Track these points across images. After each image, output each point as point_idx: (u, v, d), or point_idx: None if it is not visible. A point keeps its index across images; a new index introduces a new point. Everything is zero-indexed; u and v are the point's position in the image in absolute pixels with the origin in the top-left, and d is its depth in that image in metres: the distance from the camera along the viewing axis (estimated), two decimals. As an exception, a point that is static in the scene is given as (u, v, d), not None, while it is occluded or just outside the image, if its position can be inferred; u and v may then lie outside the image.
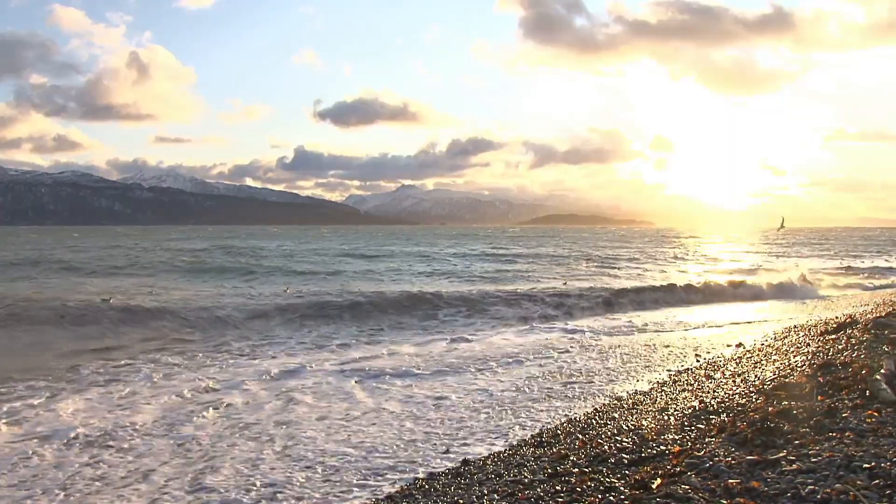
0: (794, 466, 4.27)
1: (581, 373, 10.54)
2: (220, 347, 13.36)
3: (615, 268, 38.04)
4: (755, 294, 23.50)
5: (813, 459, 4.35)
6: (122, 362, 11.57)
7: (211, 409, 8.50)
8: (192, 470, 6.36)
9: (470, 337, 14.75)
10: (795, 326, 13.62)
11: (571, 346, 13.17)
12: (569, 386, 9.61)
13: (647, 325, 16.56)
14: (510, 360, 11.73)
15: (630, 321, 17.33)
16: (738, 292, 23.63)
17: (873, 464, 4.14)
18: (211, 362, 11.74)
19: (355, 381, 10.12)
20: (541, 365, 11.25)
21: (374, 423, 7.86)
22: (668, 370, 10.38)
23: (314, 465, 6.45)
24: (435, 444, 7.01)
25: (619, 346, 13.25)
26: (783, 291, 23.83)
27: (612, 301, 21.19)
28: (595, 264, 40.06)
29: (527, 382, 9.88)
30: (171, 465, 6.50)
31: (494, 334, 15.40)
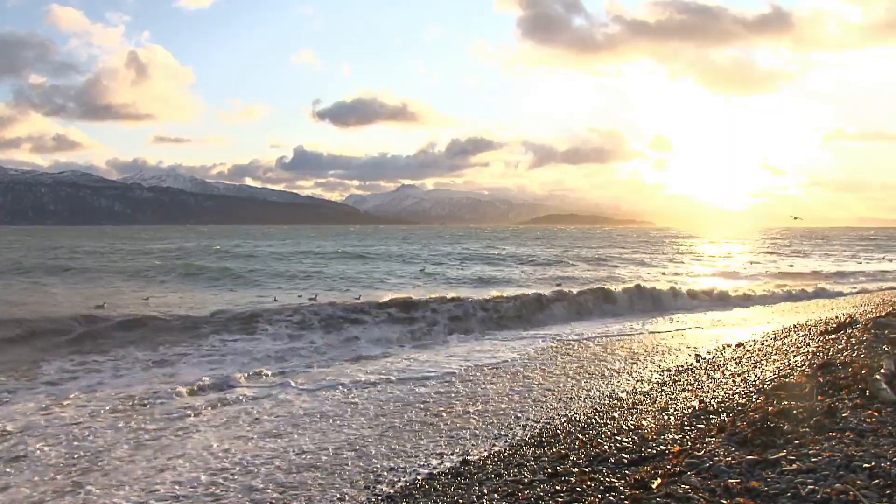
0: (794, 466, 4.27)
1: (533, 388, 9.78)
2: (166, 356, 12.56)
3: (609, 268, 37.70)
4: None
5: (813, 459, 4.35)
6: (76, 366, 11.42)
7: (121, 422, 8.15)
8: (39, 492, 6.03)
9: (430, 348, 13.79)
10: (795, 326, 13.62)
11: (541, 353, 12.74)
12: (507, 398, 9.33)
13: (623, 330, 16.02)
14: (465, 371, 11.03)
15: (610, 327, 16.62)
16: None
17: (873, 464, 4.14)
18: (150, 372, 11.26)
19: (273, 397, 9.38)
20: (474, 379, 10.61)
21: (266, 441, 7.37)
22: (668, 370, 10.38)
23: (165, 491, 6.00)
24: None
25: (592, 351, 13.23)
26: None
27: (592, 305, 20.50)
28: (589, 267, 39.43)
29: (441, 399, 9.10)
30: (22, 488, 6.09)
31: (463, 343, 14.50)
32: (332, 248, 59.59)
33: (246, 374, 10.71)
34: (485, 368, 11.24)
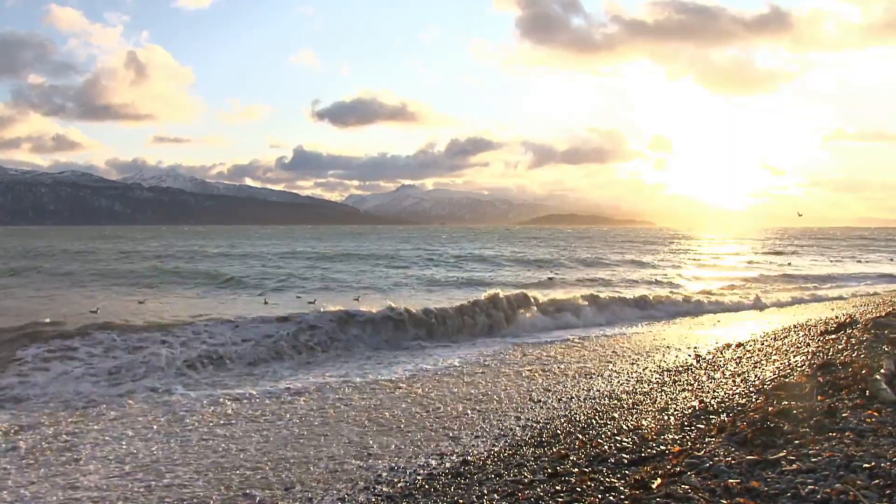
0: (794, 466, 4.27)
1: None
2: (116, 363, 11.26)
3: (602, 269, 37.00)
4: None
5: (813, 459, 4.36)
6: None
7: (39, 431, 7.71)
8: None
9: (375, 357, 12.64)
10: (795, 326, 13.63)
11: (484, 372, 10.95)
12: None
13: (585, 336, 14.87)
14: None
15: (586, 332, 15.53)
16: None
17: (873, 464, 4.14)
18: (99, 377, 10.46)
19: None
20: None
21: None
22: (668, 370, 10.38)
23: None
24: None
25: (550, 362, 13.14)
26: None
27: (570, 312, 18.11)
28: (582, 269, 37.98)
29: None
30: None
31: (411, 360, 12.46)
32: (324, 249, 58.89)
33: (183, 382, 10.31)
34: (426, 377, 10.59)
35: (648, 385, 9.26)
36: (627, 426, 6.60)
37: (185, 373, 11.06)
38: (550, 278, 28.84)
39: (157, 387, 9.96)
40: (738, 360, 10.06)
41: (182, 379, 10.64)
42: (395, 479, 6.02)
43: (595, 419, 7.37)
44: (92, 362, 11.48)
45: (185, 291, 25.16)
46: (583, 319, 17.95)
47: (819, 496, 3.78)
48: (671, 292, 23.14)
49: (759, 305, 21.23)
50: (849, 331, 10.68)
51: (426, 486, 5.68)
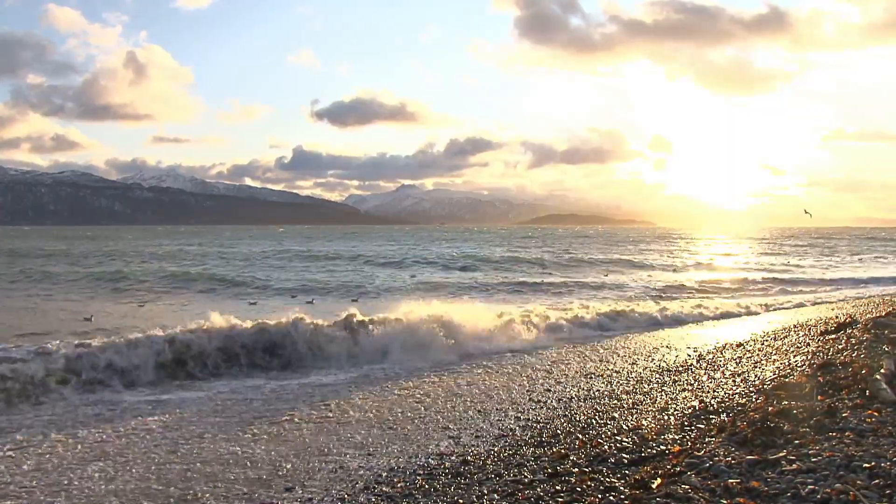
0: (794, 466, 4.27)
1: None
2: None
3: (588, 271, 36.75)
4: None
5: (813, 459, 4.36)
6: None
7: None
8: None
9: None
10: (795, 326, 13.62)
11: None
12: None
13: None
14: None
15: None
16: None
17: (873, 463, 4.14)
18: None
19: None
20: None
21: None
22: (668, 370, 10.37)
23: None
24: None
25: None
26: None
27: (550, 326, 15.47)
28: (566, 271, 37.16)
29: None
30: None
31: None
32: (314, 250, 58.51)
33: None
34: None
35: (648, 385, 9.25)
36: (627, 426, 6.60)
37: (163, 378, 10.69)
38: (528, 292, 28.58)
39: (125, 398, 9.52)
40: (738, 360, 10.05)
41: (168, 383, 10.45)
42: (395, 479, 6.02)
43: (595, 419, 7.37)
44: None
45: (173, 293, 25.20)
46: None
47: (819, 496, 3.78)
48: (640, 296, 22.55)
49: (758, 307, 20.93)
50: (849, 331, 10.68)
51: (426, 486, 5.68)
